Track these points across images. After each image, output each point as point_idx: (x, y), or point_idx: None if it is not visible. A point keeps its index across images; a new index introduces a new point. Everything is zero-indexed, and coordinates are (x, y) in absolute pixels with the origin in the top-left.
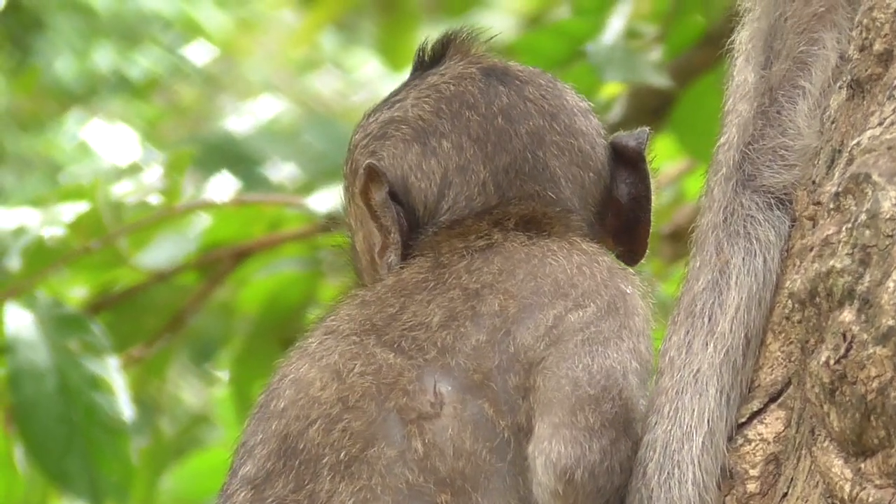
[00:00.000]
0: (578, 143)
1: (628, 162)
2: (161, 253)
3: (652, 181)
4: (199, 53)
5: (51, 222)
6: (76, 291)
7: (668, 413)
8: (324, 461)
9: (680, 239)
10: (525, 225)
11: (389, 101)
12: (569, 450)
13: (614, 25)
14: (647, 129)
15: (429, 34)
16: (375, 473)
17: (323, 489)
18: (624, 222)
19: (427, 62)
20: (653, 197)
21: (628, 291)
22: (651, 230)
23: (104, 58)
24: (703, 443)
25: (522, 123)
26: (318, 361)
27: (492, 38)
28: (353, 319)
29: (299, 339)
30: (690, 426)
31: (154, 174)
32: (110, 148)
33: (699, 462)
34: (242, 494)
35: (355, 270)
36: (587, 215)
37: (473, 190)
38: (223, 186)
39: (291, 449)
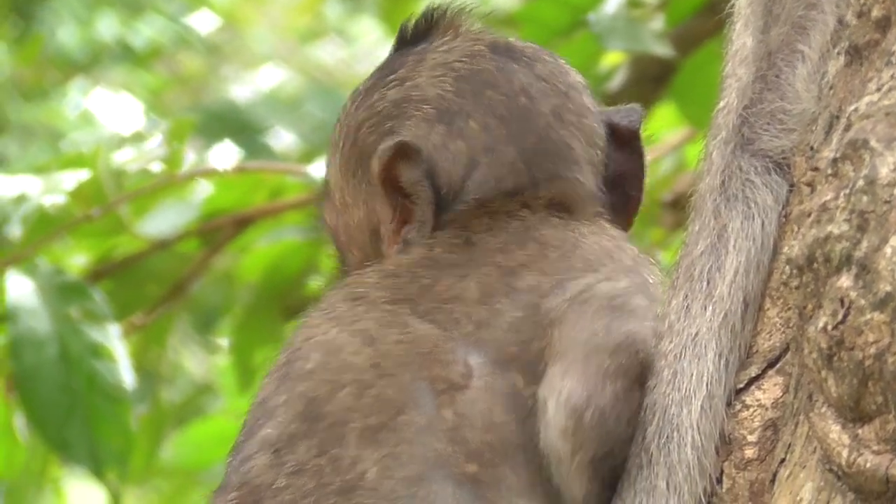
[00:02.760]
0: (588, 120)
1: (620, 139)
2: (162, 221)
3: (646, 160)
4: (202, 23)
5: (52, 190)
6: (77, 259)
7: (667, 377)
8: (351, 426)
9: (681, 207)
10: (555, 207)
11: (392, 80)
12: (580, 388)
13: None
14: (638, 106)
15: (431, 4)
16: (403, 441)
17: (347, 454)
18: (614, 199)
19: (411, 38)
20: (645, 176)
21: (651, 280)
22: (640, 209)
23: (108, 27)
24: (701, 407)
25: (543, 102)
26: (349, 326)
27: (476, 8)
28: (383, 288)
29: (313, 304)
30: (689, 390)
31: (156, 142)
32: (113, 117)
33: (698, 426)
34: (263, 458)
35: (338, 247)
36: (601, 196)
37: (503, 170)
38: (225, 155)
39: (317, 412)
